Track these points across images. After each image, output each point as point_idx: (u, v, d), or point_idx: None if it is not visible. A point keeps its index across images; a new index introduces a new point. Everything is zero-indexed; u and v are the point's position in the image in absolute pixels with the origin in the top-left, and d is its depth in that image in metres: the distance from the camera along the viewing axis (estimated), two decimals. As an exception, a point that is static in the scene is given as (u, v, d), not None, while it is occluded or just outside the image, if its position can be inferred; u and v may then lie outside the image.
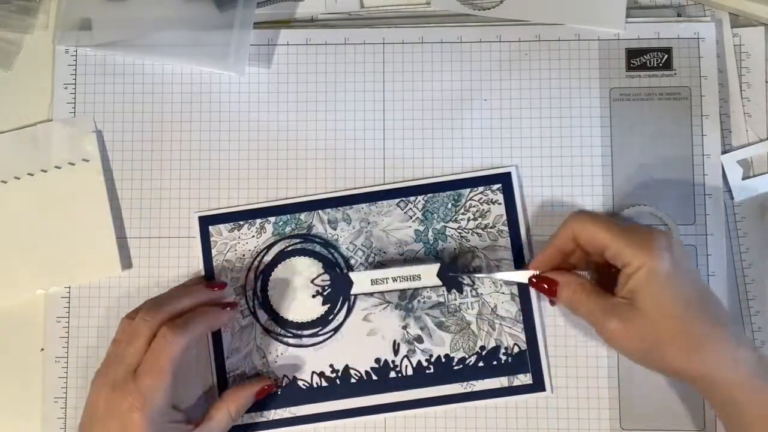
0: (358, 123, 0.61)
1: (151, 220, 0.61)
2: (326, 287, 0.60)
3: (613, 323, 0.51)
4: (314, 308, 0.59)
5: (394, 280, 0.58)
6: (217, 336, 0.59)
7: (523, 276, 0.57)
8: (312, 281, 0.60)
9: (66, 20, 0.62)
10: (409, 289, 0.58)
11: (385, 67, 0.61)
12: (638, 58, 0.61)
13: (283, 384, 0.59)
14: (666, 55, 0.61)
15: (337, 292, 0.59)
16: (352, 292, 0.58)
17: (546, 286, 0.55)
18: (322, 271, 0.60)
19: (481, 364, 0.59)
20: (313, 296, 0.60)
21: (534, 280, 0.56)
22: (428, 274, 0.58)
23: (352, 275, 0.58)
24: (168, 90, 0.62)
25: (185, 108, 0.61)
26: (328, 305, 0.59)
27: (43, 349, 0.61)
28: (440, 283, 0.58)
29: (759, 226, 0.60)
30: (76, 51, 0.62)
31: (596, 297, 0.52)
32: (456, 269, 0.59)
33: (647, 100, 0.60)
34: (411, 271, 0.57)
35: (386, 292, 0.59)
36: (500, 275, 0.58)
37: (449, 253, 0.59)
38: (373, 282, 0.58)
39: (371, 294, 0.59)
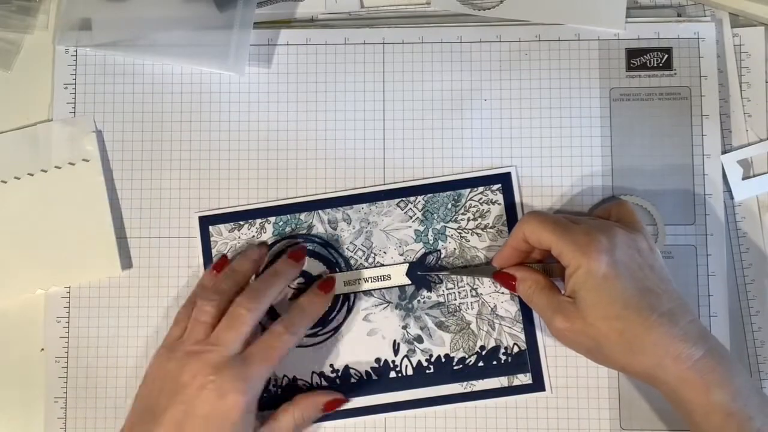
0: (358, 123, 0.61)
1: (151, 220, 0.61)
2: (302, 290, 0.60)
3: (559, 321, 0.52)
4: None
5: (366, 281, 0.59)
6: None
7: (486, 272, 0.58)
8: (288, 284, 0.60)
9: (66, 20, 0.62)
10: (381, 288, 0.59)
11: (385, 67, 0.61)
12: (638, 58, 0.61)
13: (283, 384, 0.59)
14: (666, 55, 0.61)
15: None
16: None
17: (506, 280, 0.57)
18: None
19: (481, 364, 0.59)
20: (290, 299, 0.60)
21: (496, 275, 0.57)
22: (398, 273, 0.59)
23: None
24: (168, 90, 0.62)
25: (185, 108, 0.62)
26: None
27: (43, 349, 0.61)
28: (410, 282, 0.59)
29: (759, 226, 0.60)
30: (76, 51, 0.62)
31: (548, 293, 0.54)
32: (424, 268, 0.59)
33: (647, 100, 0.60)
34: (381, 272, 0.59)
35: (358, 292, 0.60)
36: (465, 272, 0.59)
37: (417, 253, 0.60)
38: (346, 283, 0.59)
39: (370, 293, 0.59)
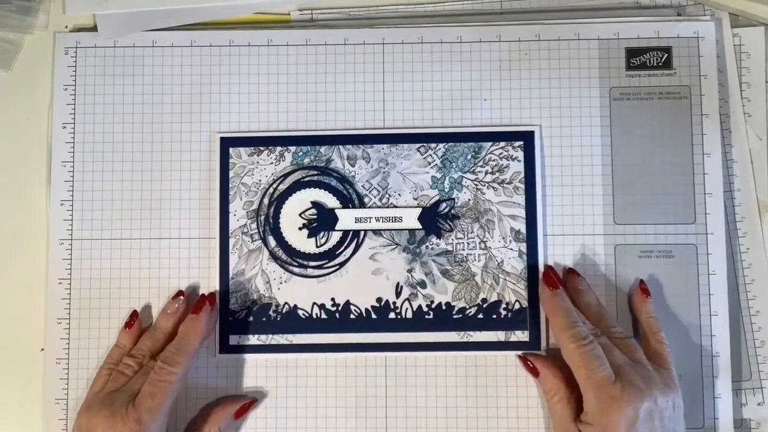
0: (358, 123, 0.61)
1: (152, 221, 0.61)
2: (313, 221, 0.60)
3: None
4: (311, 241, 0.60)
5: (377, 219, 0.60)
6: (223, 256, 0.60)
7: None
8: (300, 214, 0.60)
9: (66, 20, 0.62)
10: (391, 229, 0.60)
11: (385, 67, 0.61)
12: (638, 58, 0.61)
13: (284, 311, 0.60)
14: (666, 55, 0.61)
15: (323, 227, 0.60)
16: (337, 227, 0.60)
17: (529, 369, 0.58)
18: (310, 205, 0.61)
19: (480, 316, 0.59)
20: (300, 228, 0.60)
21: (522, 356, 0.58)
22: (410, 217, 0.59)
23: (338, 212, 0.60)
24: (168, 91, 0.62)
25: (185, 109, 0.61)
26: (324, 239, 0.60)
27: (43, 350, 0.61)
28: (420, 226, 0.59)
29: (759, 226, 0.60)
30: (76, 51, 0.62)
31: (565, 406, 0.54)
32: (436, 215, 0.60)
33: (647, 99, 0.60)
34: (393, 213, 0.60)
35: (368, 230, 0.60)
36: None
37: (431, 199, 0.60)
38: (357, 220, 0.60)
39: (380, 233, 0.60)
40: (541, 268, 0.59)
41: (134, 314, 0.59)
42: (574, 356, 0.53)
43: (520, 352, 0.58)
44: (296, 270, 0.60)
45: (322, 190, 0.60)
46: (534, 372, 0.57)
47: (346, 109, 0.61)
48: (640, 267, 0.59)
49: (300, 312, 0.60)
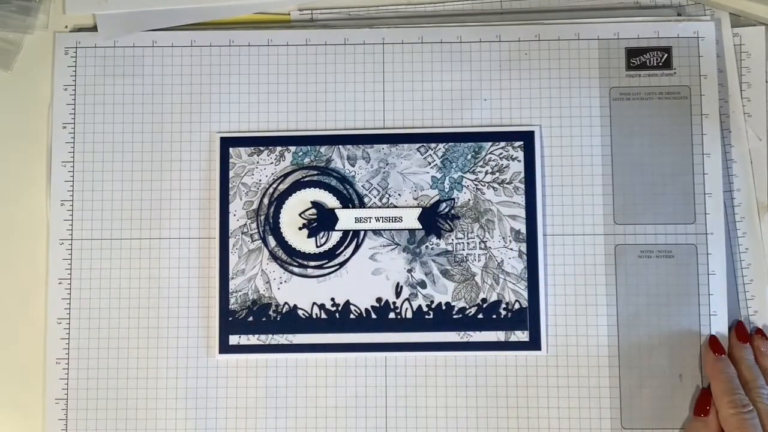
0: (358, 123, 0.61)
1: (152, 221, 0.61)
2: (313, 221, 0.60)
3: None
4: (311, 241, 0.60)
5: (377, 219, 0.60)
6: (223, 256, 0.60)
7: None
8: (300, 214, 0.60)
9: (66, 20, 0.62)
10: (391, 229, 0.60)
11: (385, 67, 0.61)
12: (638, 58, 0.61)
13: (283, 311, 0.60)
14: (666, 55, 0.61)
15: (323, 227, 0.60)
16: (337, 227, 0.60)
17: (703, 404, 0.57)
18: (310, 204, 0.61)
19: (480, 316, 0.59)
20: (300, 228, 0.60)
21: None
22: (410, 217, 0.60)
23: (338, 212, 0.60)
24: (168, 91, 0.62)
25: (185, 109, 0.61)
26: (324, 239, 0.60)
27: (44, 350, 0.61)
28: (420, 226, 0.59)
29: (758, 226, 0.60)
30: (76, 51, 0.62)
31: None
32: (436, 215, 0.60)
33: (647, 99, 0.60)
34: (394, 213, 0.60)
35: (368, 230, 0.60)
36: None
37: (431, 200, 0.60)
38: (357, 220, 0.60)
39: (380, 233, 0.60)
40: (711, 332, 0.58)
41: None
42: (731, 422, 0.54)
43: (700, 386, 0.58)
44: (296, 270, 0.60)
45: (322, 190, 0.60)
46: (705, 412, 0.56)
47: (346, 109, 0.61)
48: (640, 267, 0.59)
49: (300, 312, 0.60)
